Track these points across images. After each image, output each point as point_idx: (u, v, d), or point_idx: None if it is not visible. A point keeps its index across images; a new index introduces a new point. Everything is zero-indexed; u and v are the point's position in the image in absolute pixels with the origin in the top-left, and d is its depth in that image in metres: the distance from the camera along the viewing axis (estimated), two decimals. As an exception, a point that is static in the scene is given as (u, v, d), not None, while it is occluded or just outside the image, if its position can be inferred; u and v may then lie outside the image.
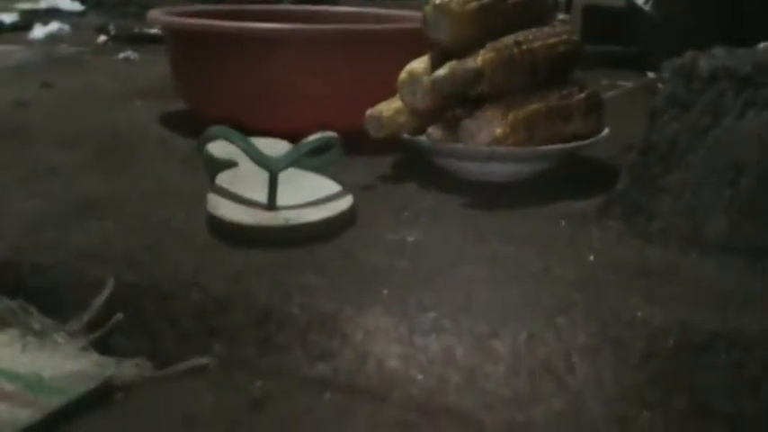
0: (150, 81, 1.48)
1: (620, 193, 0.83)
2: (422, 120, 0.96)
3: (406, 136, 0.96)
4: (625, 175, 0.83)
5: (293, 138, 0.91)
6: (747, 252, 0.75)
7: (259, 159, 0.80)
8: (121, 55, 1.82)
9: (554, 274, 0.73)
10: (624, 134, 1.01)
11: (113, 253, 0.74)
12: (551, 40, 0.97)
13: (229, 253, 0.74)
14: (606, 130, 0.99)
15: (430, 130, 0.95)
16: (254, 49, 1.08)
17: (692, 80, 0.80)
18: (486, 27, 0.94)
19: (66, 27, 2.21)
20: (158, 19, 1.14)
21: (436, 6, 0.92)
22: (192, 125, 1.16)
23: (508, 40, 0.94)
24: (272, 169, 0.79)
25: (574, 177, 0.97)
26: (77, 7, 2.79)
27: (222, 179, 0.86)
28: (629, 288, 0.70)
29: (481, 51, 0.91)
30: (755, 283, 0.71)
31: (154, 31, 2.10)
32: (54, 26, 2.18)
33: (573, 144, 0.95)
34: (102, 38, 2.05)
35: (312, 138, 0.83)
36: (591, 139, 0.97)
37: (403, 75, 0.95)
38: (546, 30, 0.98)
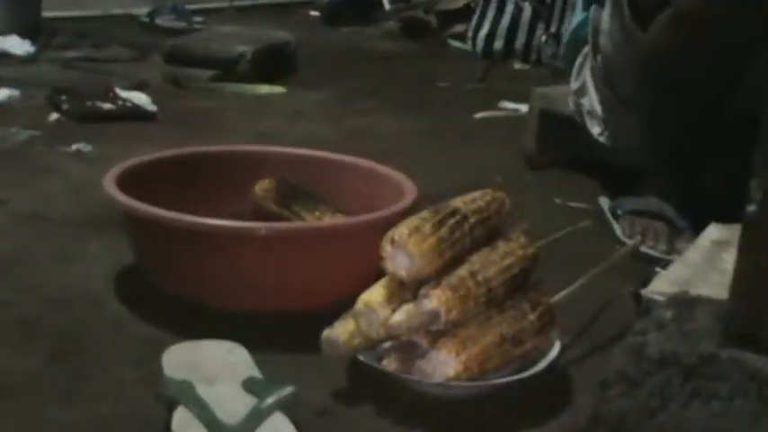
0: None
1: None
2: (378, 341, 0.97)
3: (362, 359, 0.97)
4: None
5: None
6: None
7: (215, 430, 0.81)
8: (74, 147, 1.80)
9: None
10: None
11: None
12: (507, 262, 0.99)
13: None
14: (557, 346, 1.02)
15: (385, 361, 0.96)
16: (214, 241, 1.08)
17: (642, 360, 0.82)
18: (443, 259, 0.95)
19: (17, 93, 2.17)
20: (117, 201, 1.13)
21: (395, 243, 0.93)
22: (150, 296, 1.17)
23: (463, 272, 0.95)
24: (229, 442, 0.80)
25: (526, 385, 0.99)
26: (28, 48, 2.73)
27: (178, 422, 0.87)
28: None
29: (437, 291, 0.92)
30: None
31: (107, 106, 2.08)
32: (3, 94, 2.14)
33: (525, 375, 0.97)
34: (55, 116, 2.02)
35: (270, 401, 0.84)
36: (542, 365, 0.99)
37: (359, 305, 0.95)
38: (501, 249, 1.00)
